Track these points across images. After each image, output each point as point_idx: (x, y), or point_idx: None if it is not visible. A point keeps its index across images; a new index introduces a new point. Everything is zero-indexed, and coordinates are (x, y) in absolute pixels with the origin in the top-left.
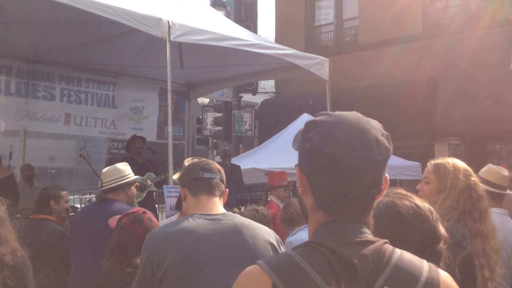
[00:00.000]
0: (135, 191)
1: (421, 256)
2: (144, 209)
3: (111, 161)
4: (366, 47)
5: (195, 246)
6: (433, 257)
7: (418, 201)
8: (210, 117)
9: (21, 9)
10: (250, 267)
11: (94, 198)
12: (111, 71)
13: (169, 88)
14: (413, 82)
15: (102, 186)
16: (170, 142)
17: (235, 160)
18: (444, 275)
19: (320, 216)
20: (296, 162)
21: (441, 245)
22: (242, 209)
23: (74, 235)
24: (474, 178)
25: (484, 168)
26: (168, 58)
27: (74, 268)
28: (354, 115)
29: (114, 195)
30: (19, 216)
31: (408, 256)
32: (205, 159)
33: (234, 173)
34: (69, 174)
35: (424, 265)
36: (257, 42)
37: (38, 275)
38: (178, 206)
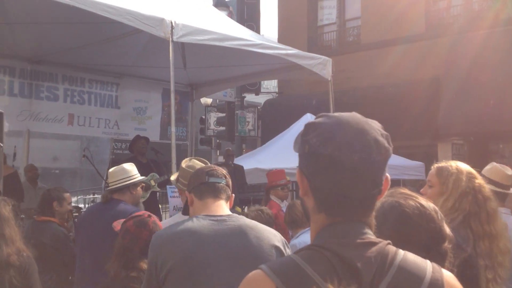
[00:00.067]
0: (141, 192)
1: (427, 255)
2: (149, 213)
3: (115, 161)
4: (368, 47)
5: (197, 247)
6: (439, 257)
7: (423, 200)
8: (213, 117)
9: (24, 9)
10: (253, 272)
11: (97, 199)
12: (114, 72)
13: (172, 88)
14: (416, 82)
15: (107, 186)
16: (173, 142)
17: (238, 160)
18: (448, 275)
19: (322, 218)
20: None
21: (446, 245)
22: (246, 209)
23: (79, 234)
24: (479, 181)
25: (488, 167)
26: (171, 58)
27: (78, 268)
28: (353, 116)
29: (120, 195)
30: (23, 216)
31: (411, 257)
32: (210, 165)
33: (237, 173)
34: (72, 174)
35: (427, 266)
36: (260, 42)
37: (41, 277)
38: (185, 211)
